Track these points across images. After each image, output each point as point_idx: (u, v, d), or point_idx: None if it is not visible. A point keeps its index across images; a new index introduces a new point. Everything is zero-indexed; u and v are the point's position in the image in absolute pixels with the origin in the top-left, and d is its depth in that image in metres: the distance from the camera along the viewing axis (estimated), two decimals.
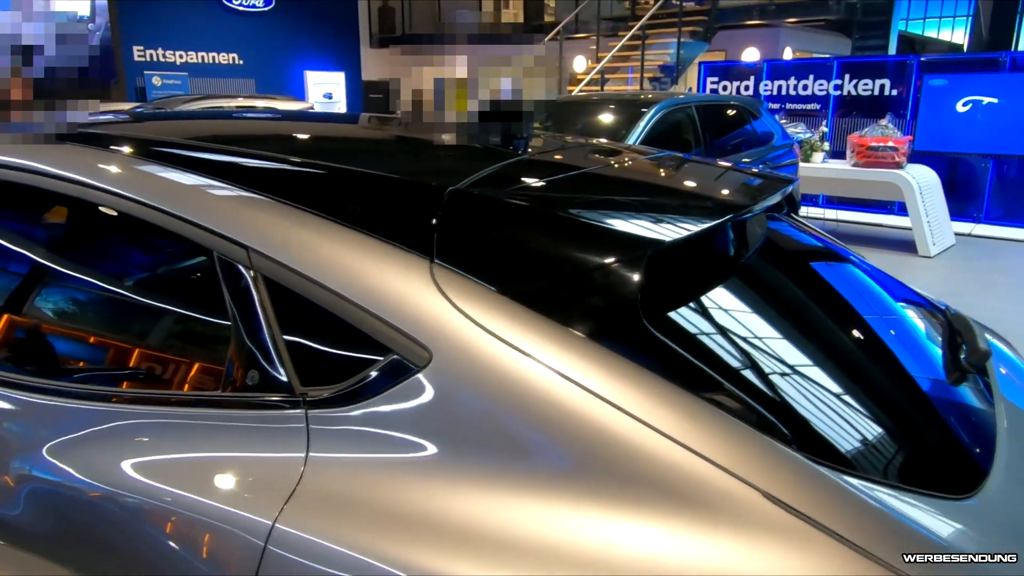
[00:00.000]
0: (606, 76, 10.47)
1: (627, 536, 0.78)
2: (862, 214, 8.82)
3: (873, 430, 0.97)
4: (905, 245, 7.39)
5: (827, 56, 10.63)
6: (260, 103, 8.83)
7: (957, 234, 7.72)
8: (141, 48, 12.32)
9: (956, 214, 7.91)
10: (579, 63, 12.24)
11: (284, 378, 0.99)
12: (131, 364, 1.24)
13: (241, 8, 13.32)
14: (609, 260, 0.95)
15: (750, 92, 9.39)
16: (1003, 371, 1.36)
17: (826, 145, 7.91)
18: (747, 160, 5.43)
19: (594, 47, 11.14)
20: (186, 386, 1.16)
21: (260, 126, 1.74)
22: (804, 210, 8.93)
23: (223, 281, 1.05)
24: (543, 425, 0.84)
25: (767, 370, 1.00)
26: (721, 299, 1.09)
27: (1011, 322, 4.84)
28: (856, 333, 1.26)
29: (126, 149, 1.27)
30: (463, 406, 0.88)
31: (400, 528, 0.84)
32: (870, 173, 7.30)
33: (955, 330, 1.32)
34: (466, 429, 0.88)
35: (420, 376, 0.90)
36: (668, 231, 1.05)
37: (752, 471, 0.79)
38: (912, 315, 1.48)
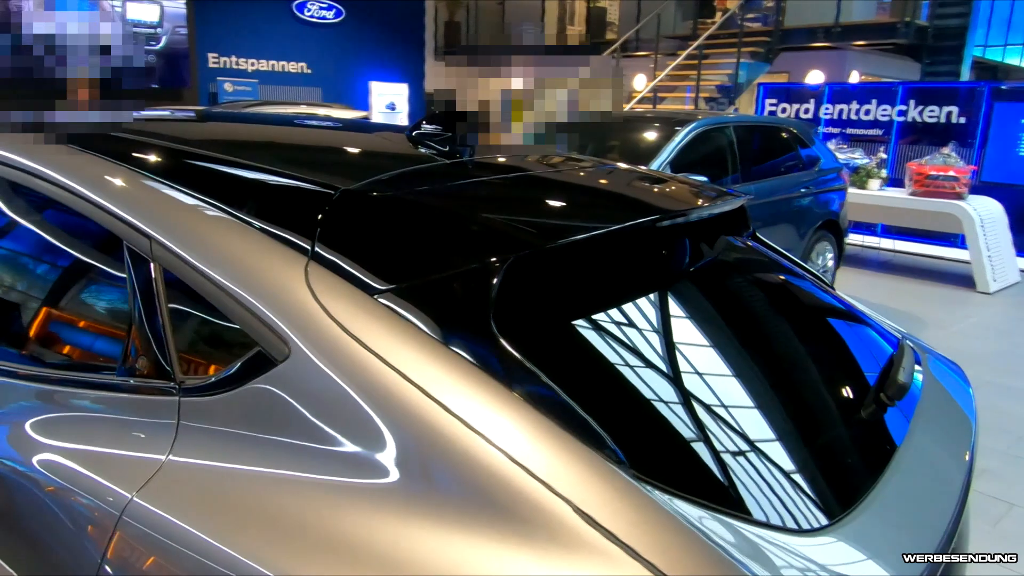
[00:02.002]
0: (659, 95, 10.38)
1: (441, 542, 0.78)
2: (922, 245, 8.45)
3: (727, 460, 0.94)
4: (963, 280, 7.05)
5: (893, 80, 10.28)
6: (321, 111, 9.13)
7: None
8: (216, 55, 12.90)
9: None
10: (639, 81, 12.20)
11: (167, 365, 1.04)
12: (34, 341, 1.33)
13: (313, 19, 13.80)
14: (465, 266, 0.96)
15: (810, 115, 9.15)
16: (943, 402, 1.30)
17: (883, 172, 7.64)
18: (786, 184, 5.29)
19: (653, 65, 11.09)
20: (82, 367, 1.23)
21: (235, 128, 1.80)
22: (858, 238, 8.62)
23: (129, 269, 1.11)
24: (375, 429, 0.85)
25: (623, 390, 0.98)
26: (602, 311, 1.07)
27: None
28: (751, 362, 1.21)
29: (81, 141, 1.34)
30: (308, 404, 0.90)
31: (226, 511, 0.88)
32: (928, 203, 7.01)
33: (891, 362, 1.26)
34: (306, 428, 0.89)
35: (276, 370, 0.92)
36: (540, 238, 1.04)
37: (572, 487, 0.78)
38: (843, 344, 1.43)
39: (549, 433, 0.81)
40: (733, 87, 10.12)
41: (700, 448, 0.93)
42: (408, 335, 0.89)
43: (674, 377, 1.05)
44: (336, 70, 14.17)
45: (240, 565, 0.83)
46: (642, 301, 1.15)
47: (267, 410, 0.92)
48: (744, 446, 0.97)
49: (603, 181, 1.55)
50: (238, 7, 12.80)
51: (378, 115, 14.53)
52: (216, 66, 12.94)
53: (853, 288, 6.31)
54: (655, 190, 1.50)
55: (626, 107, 9.99)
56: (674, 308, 1.20)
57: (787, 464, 0.98)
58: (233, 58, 13.13)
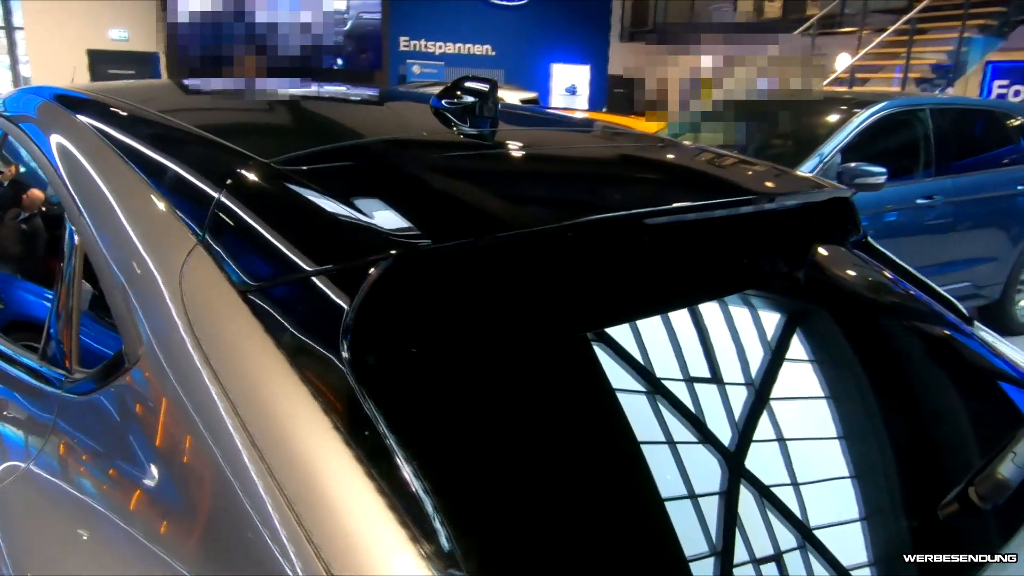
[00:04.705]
0: (859, 76, 9.24)
1: None
2: None
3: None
4: None
5: None
6: (499, 92, 9.19)
7: None
8: (407, 39, 13.48)
9: None
10: (841, 60, 10.99)
11: (60, 353, 0.94)
12: None
13: (499, 2, 13.97)
14: (325, 265, 0.74)
15: None
16: None
17: None
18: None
19: (858, 43, 9.89)
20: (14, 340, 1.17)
21: (216, 94, 1.66)
22: None
23: (61, 239, 1.02)
24: (179, 459, 0.68)
25: (528, 478, 0.71)
26: (532, 349, 0.80)
27: None
28: (783, 456, 0.85)
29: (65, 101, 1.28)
30: (132, 413, 0.75)
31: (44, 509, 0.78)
32: None
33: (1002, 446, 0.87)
34: (123, 441, 0.75)
35: (126, 376, 0.78)
36: (437, 234, 0.79)
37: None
38: (958, 418, 1.02)
39: (375, 518, 0.59)
40: (953, 66, 8.75)
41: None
42: (257, 348, 0.71)
43: (636, 473, 0.75)
44: (519, 52, 14.24)
45: None
46: (615, 333, 0.86)
47: (109, 423, 0.79)
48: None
49: (601, 157, 1.23)
50: None
51: (557, 97, 14.44)
52: (407, 49, 13.52)
53: None
54: (675, 172, 1.18)
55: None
56: (667, 356, 0.88)
57: None
58: (423, 41, 13.65)
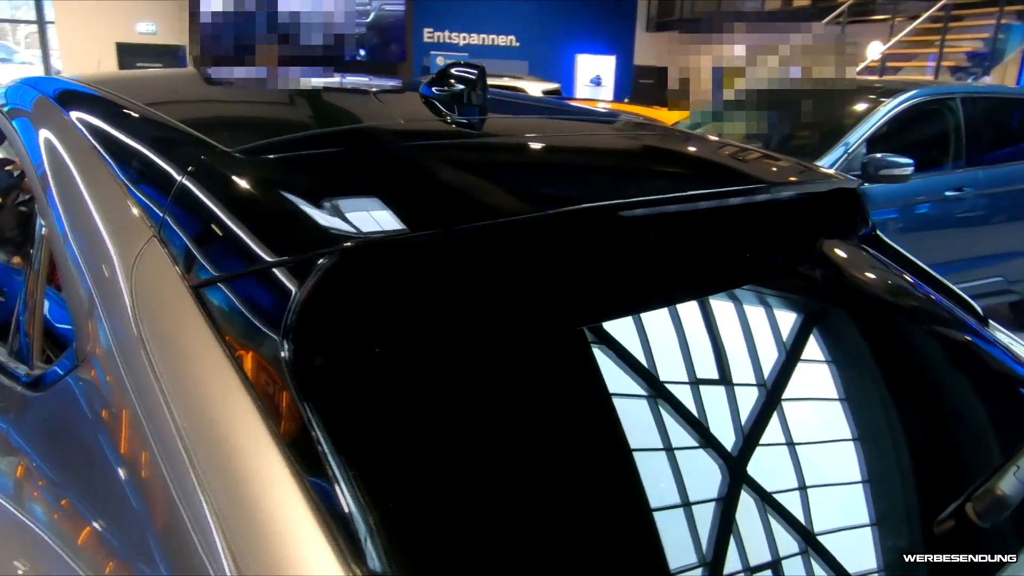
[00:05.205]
0: (890, 65, 9.00)
1: None
2: None
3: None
4: None
5: None
6: (521, 84, 9.11)
7: None
8: (431, 30, 13.44)
9: None
10: (873, 49, 10.73)
11: (25, 347, 0.92)
12: None
13: None
14: (270, 261, 0.69)
15: None
16: None
17: None
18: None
19: (890, 31, 9.63)
20: None
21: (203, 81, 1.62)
22: None
23: (33, 228, 1.00)
24: (112, 463, 0.65)
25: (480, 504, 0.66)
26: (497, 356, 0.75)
27: None
28: (783, 469, 0.79)
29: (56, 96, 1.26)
30: (74, 413, 0.73)
31: None
32: None
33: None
34: (61, 441, 0.72)
35: (70, 376, 0.75)
36: (387, 227, 0.73)
37: None
38: (969, 427, 0.95)
39: (301, 535, 0.55)
40: (989, 54, 8.47)
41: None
42: (202, 348, 0.67)
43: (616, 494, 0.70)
44: (543, 43, 14.11)
45: None
46: (596, 332, 0.80)
47: (51, 422, 0.76)
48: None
49: (582, 146, 1.17)
50: None
51: (581, 88, 14.30)
52: (431, 40, 13.48)
53: None
54: (661, 160, 1.12)
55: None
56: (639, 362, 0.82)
57: None
58: (446, 32, 13.59)
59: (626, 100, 11.23)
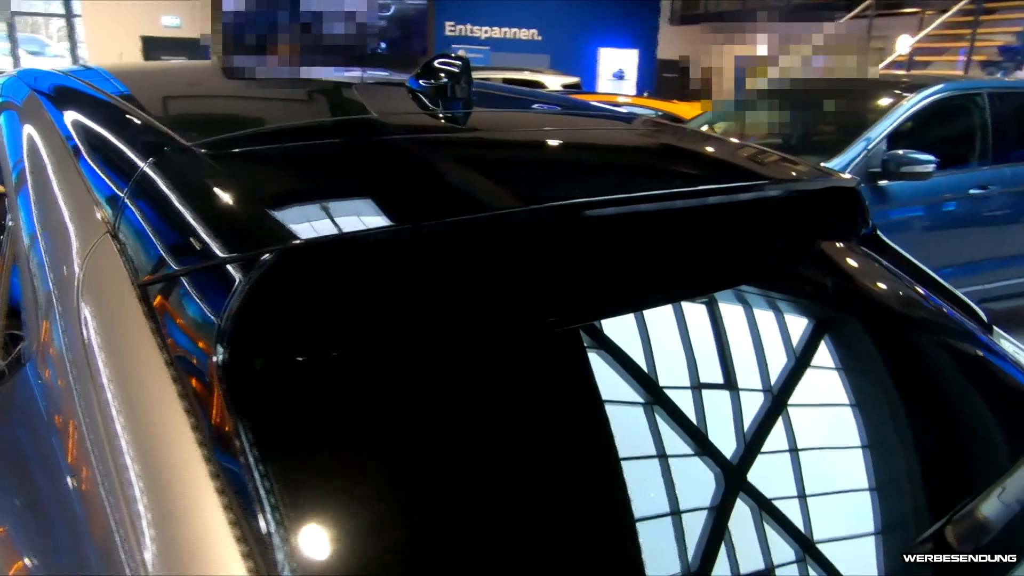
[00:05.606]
0: (918, 59, 8.79)
1: None
2: None
3: None
4: None
5: None
6: (540, 78, 9.04)
7: None
8: (452, 24, 13.41)
9: None
10: (902, 43, 10.51)
11: None
12: None
13: None
14: (209, 259, 0.66)
15: None
16: None
17: None
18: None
19: (919, 24, 9.41)
20: None
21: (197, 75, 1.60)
22: None
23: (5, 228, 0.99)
24: (48, 469, 0.63)
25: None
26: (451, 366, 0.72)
27: None
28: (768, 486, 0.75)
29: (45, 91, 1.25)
30: (14, 414, 0.71)
31: None
32: None
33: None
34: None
35: (16, 376, 0.74)
36: (349, 221, 0.70)
37: None
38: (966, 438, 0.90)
39: (219, 553, 0.53)
40: (1022, 48, 8.25)
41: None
42: (142, 351, 0.65)
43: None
44: (566, 37, 14.02)
45: None
46: (568, 337, 0.76)
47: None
48: None
49: (561, 142, 1.12)
50: None
51: (604, 82, 14.19)
52: (452, 34, 13.45)
53: None
54: (641, 156, 1.07)
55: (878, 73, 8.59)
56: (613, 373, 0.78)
57: None
58: (468, 26, 13.56)
59: (646, 94, 11.10)
